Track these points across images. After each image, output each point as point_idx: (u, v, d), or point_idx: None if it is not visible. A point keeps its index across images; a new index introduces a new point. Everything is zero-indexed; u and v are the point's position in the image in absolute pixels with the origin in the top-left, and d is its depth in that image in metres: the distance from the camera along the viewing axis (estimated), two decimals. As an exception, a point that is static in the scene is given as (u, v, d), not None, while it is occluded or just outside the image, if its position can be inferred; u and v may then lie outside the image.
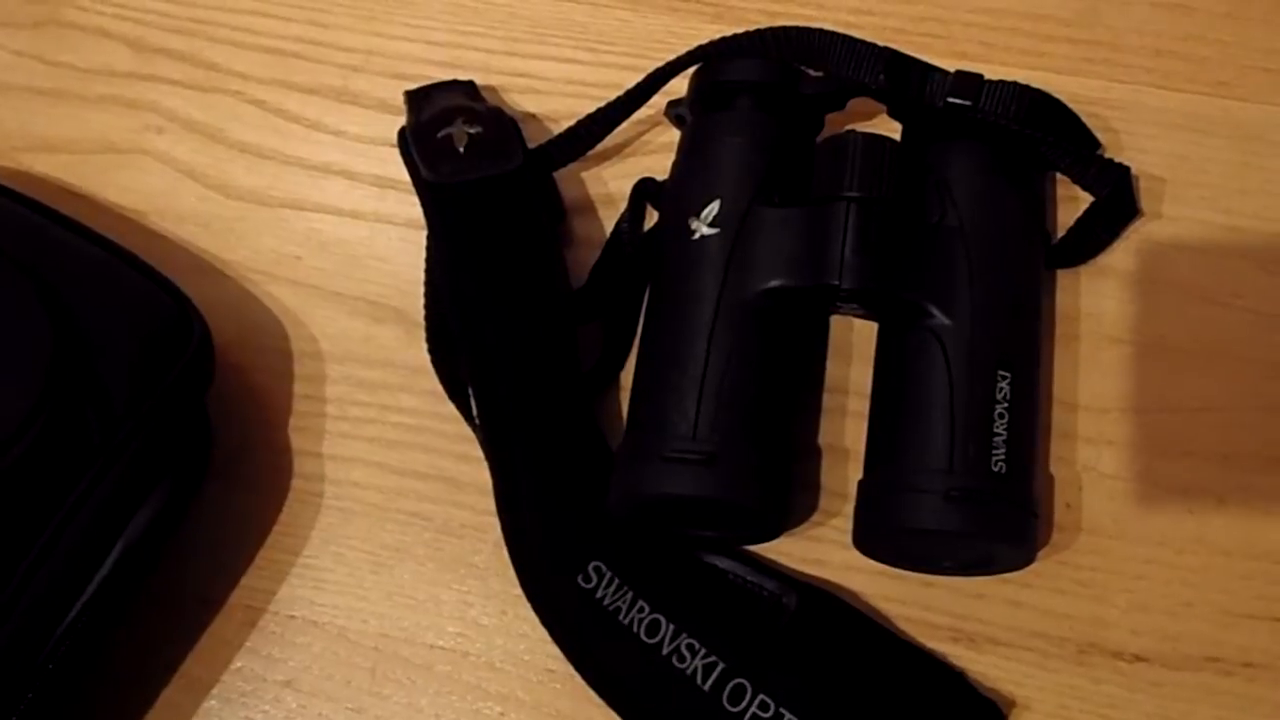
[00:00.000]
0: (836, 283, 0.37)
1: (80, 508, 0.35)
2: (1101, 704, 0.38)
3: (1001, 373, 0.37)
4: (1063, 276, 0.42)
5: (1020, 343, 0.38)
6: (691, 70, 0.42)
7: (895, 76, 0.39)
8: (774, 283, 0.37)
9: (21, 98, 0.48)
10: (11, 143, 0.47)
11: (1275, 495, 0.40)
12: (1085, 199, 0.42)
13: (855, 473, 0.40)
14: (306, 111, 0.47)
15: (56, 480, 0.35)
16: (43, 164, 0.46)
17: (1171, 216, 0.43)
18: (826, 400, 0.42)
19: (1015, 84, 0.39)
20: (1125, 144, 0.44)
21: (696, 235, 0.38)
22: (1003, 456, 0.36)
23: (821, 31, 0.40)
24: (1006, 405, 0.36)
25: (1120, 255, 0.42)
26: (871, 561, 0.39)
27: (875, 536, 0.37)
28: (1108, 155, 0.43)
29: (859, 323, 0.42)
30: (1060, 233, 0.42)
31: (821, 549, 0.40)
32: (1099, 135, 0.43)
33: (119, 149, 0.47)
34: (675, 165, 0.41)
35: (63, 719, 0.39)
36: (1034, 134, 0.39)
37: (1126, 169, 0.41)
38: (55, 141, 0.47)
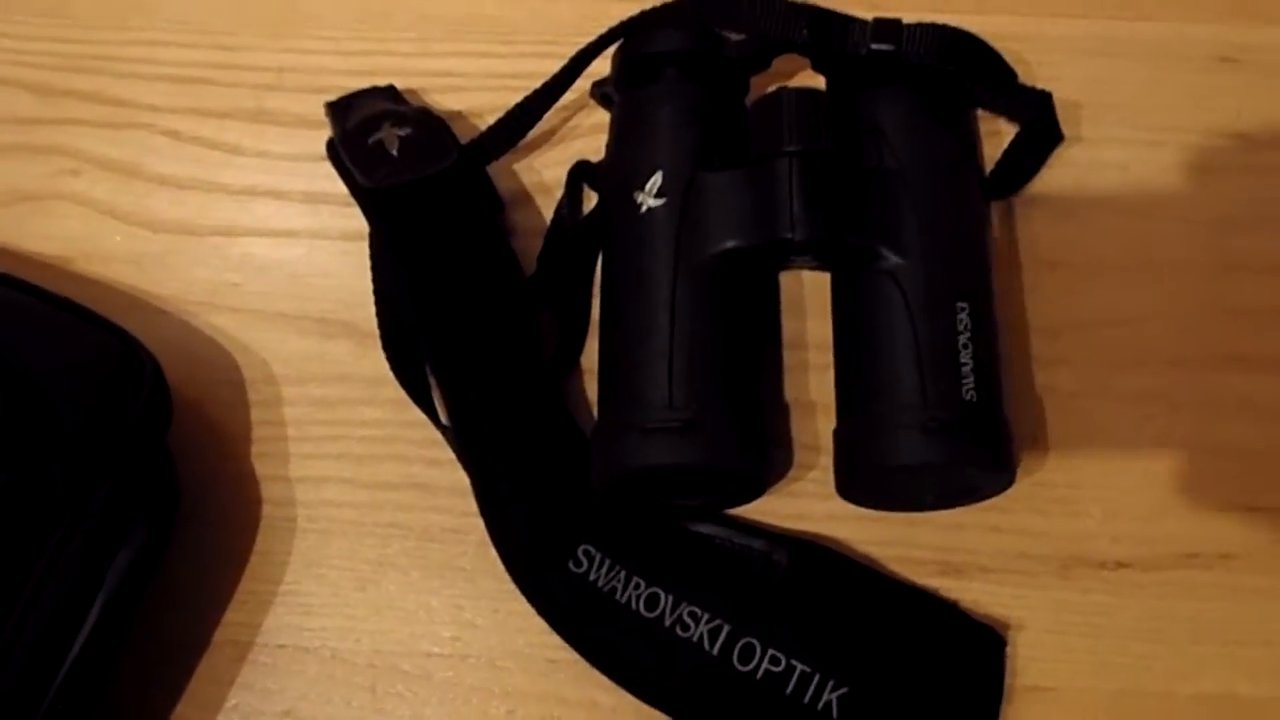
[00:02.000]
0: (789, 236, 0.37)
1: (55, 564, 0.34)
2: (1092, 613, 0.39)
3: (960, 304, 0.37)
4: (997, 208, 0.43)
5: (973, 273, 0.39)
6: (613, 49, 0.42)
7: (817, 30, 0.40)
8: (727, 244, 0.38)
9: (-75, 155, 0.46)
10: (-79, 201, 0.45)
11: (1225, 391, 0.41)
12: (1008, 132, 0.43)
13: (826, 425, 0.40)
14: (224, 136, 0.46)
15: (27, 540, 0.34)
16: (-44, 220, 0.45)
17: (1092, 139, 0.44)
18: (787, 357, 0.42)
19: (934, 25, 0.40)
20: (1038, 74, 0.45)
21: (644, 208, 0.38)
22: (972, 385, 0.37)
23: (739, -6, 0.41)
24: (969, 335, 0.37)
25: (1047, 182, 0.44)
26: (852, 508, 0.39)
27: (858, 480, 0.38)
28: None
29: (809, 276, 0.42)
30: (989, 167, 0.43)
31: (802, 503, 0.40)
32: (1015, 68, 0.44)
33: (34, 196, 0.45)
34: (610, 144, 0.41)
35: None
36: (957, 71, 0.40)
37: (1048, 95, 0.42)
38: (-34, 196, 0.45)
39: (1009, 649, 0.38)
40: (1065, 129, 0.44)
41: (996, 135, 0.44)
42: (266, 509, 0.41)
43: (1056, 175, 0.44)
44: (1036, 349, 0.42)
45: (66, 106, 0.46)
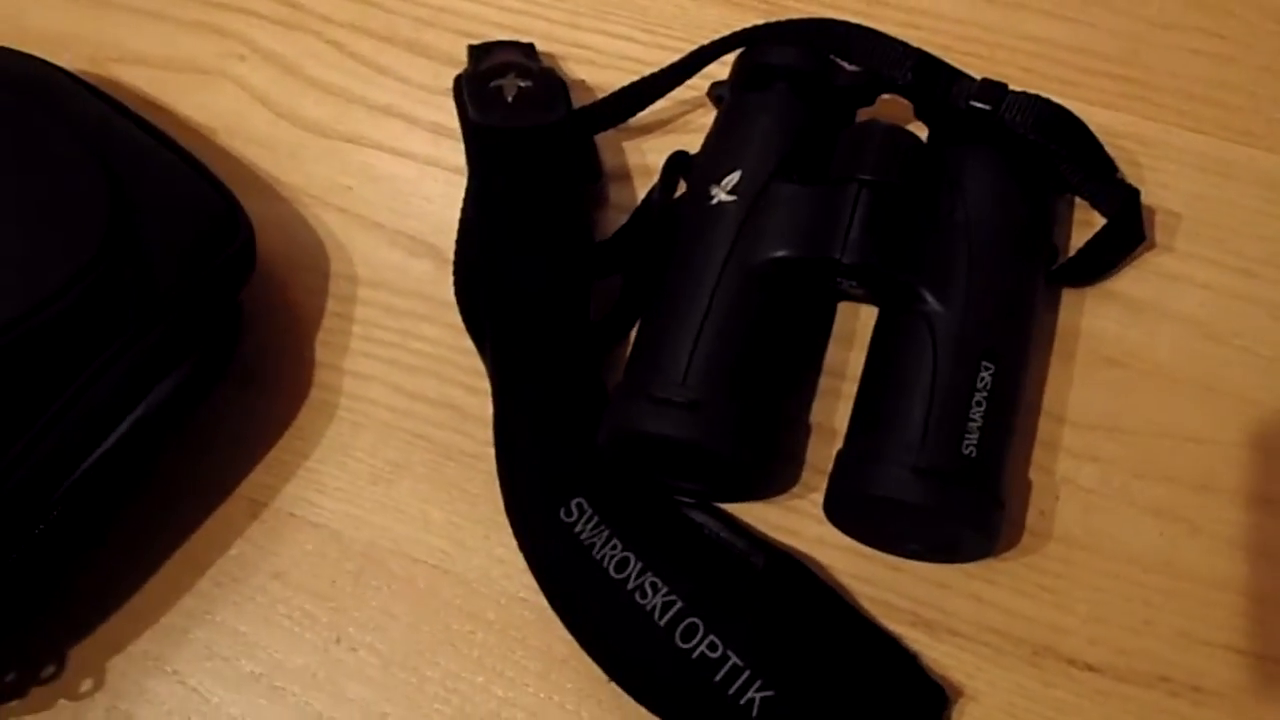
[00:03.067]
0: (838, 256, 0.38)
1: (107, 369, 0.38)
2: (1048, 706, 0.39)
3: (985, 363, 0.38)
4: (1069, 295, 0.43)
5: (1009, 339, 0.39)
6: (735, 53, 0.44)
7: (923, 76, 0.41)
8: (779, 252, 0.39)
9: (121, 14, 0.52)
10: (106, 53, 0.51)
11: (1248, 531, 0.40)
12: (1100, 223, 0.44)
13: (840, 451, 0.41)
14: (378, 57, 0.50)
15: (90, 340, 0.38)
16: (131, 75, 0.50)
17: (1184, 252, 0.44)
18: (823, 382, 0.43)
19: (1038, 96, 0.41)
20: (1148, 178, 0.45)
21: (715, 201, 0.40)
22: (975, 442, 0.37)
23: (859, 26, 0.42)
24: (986, 394, 0.38)
25: (1128, 281, 0.44)
26: (843, 538, 0.40)
27: (842, 502, 0.39)
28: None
29: (864, 310, 0.43)
30: (1072, 254, 0.43)
31: (797, 520, 0.41)
32: (1125, 168, 0.45)
33: (203, 70, 0.50)
34: (707, 138, 0.43)
35: (62, 573, 0.42)
36: (1049, 146, 0.41)
37: (1135, 190, 0.42)
38: (146, 56, 0.51)
39: (952, 717, 0.38)
40: (1159, 238, 0.44)
41: (1088, 225, 0.44)
42: (314, 391, 0.45)
43: (1138, 278, 0.44)
44: (1068, 438, 0.42)
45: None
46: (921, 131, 0.43)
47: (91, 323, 0.38)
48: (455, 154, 0.47)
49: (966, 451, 0.37)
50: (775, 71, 0.42)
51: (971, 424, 0.37)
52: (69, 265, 0.38)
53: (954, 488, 0.37)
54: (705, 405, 0.38)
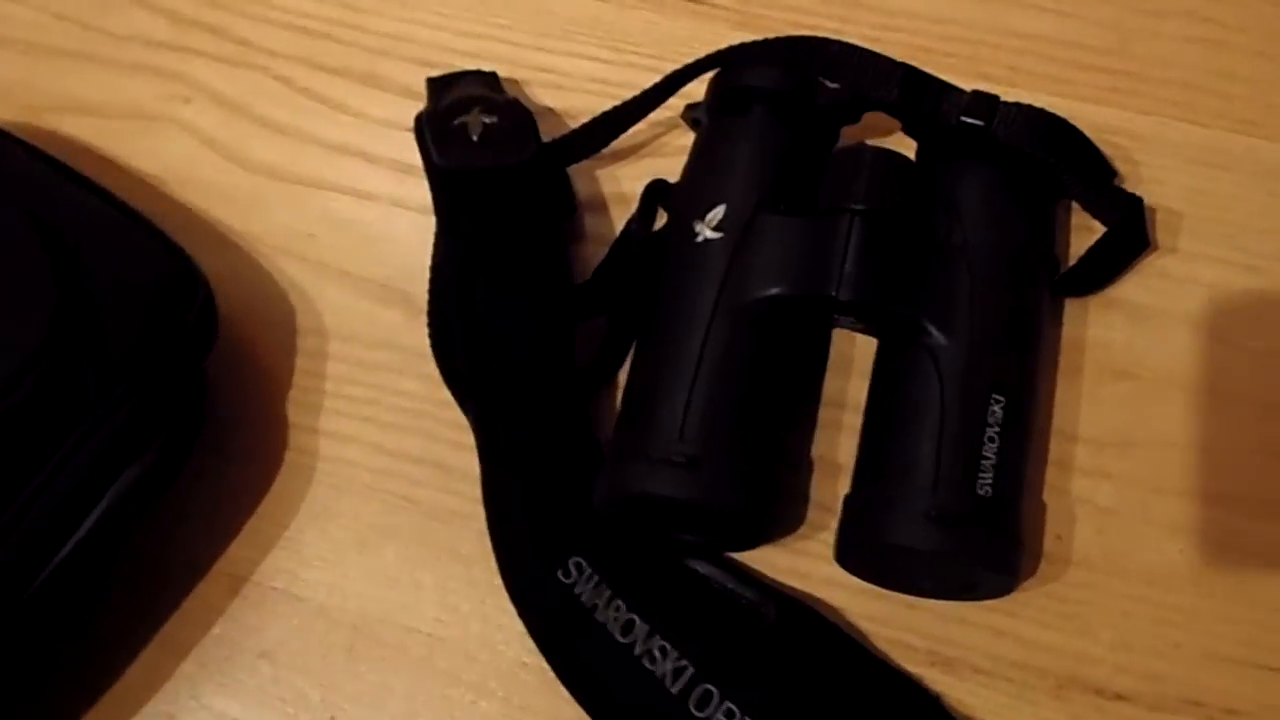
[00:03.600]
0: (834, 294, 0.37)
1: (68, 462, 0.35)
2: (1078, 740, 0.38)
3: (995, 396, 0.36)
4: (1071, 305, 0.42)
5: (1018, 368, 0.37)
6: (710, 74, 0.42)
7: (910, 92, 0.39)
8: (772, 290, 0.37)
9: (57, 59, 0.49)
10: (43, 102, 0.48)
11: (1272, 543, 0.39)
12: (1099, 228, 0.42)
13: (845, 488, 0.39)
14: (331, 92, 0.47)
15: (47, 432, 0.35)
16: (71, 125, 0.47)
17: (1187, 252, 0.42)
18: (823, 413, 0.41)
19: (1031, 107, 0.39)
20: (1145, 176, 0.43)
21: (700, 238, 0.38)
22: (989, 480, 0.35)
23: (839, 43, 0.40)
24: (998, 429, 0.36)
25: (1131, 287, 0.42)
26: (854, 579, 0.38)
27: (855, 551, 0.37)
28: (1126, 185, 0.42)
29: (861, 337, 0.42)
30: (1072, 261, 0.42)
31: (805, 562, 0.40)
32: (1120, 166, 0.43)
33: (146, 115, 0.47)
34: (686, 167, 0.41)
35: (37, 670, 0.39)
36: (1047, 159, 0.39)
37: (1139, 199, 0.41)
38: (86, 104, 0.48)
39: (981, 757, 0.37)
40: (1160, 238, 0.42)
41: (1088, 230, 0.42)
42: (289, 455, 0.42)
43: (1141, 283, 0.42)
44: (1080, 456, 0.40)
45: (193, 37, 0.48)
46: (908, 145, 0.41)
47: (46, 414, 0.35)
48: (420, 191, 0.44)
49: (981, 491, 0.35)
50: (754, 94, 0.40)
51: (985, 461, 0.36)
52: (17, 354, 0.35)
53: (971, 531, 0.35)
54: (706, 461, 0.36)
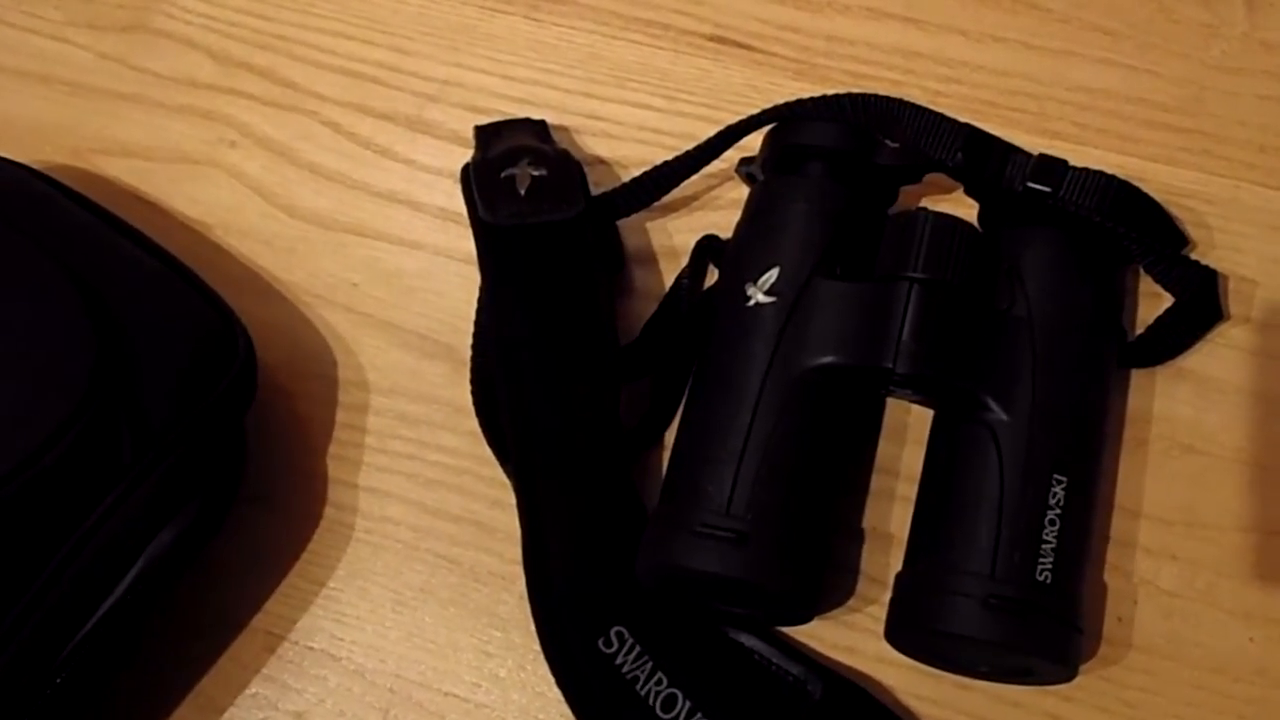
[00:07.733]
0: (890, 366, 0.35)
1: (104, 523, 0.35)
2: (1137, 837, 0.36)
3: (1057, 477, 0.35)
4: (1137, 376, 0.40)
5: (1081, 446, 0.36)
6: (767, 129, 0.41)
7: (974, 155, 0.38)
8: (826, 359, 0.36)
9: (102, 100, 0.48)
10: (88, 144, 0.47)
11: (1346, 633, 0.37)
12: (1169, 295, 0.40)
13: (897, 560, 0.38)
14: (378, 137, 0.47)
15: (83, 493, 0.35)
16: (115, 167, 0.47)
17: (1261, 323, 0.40)
18: (875, 482, 0.40)
19: (1100, 173, 0.37)
20: (1218, 242, 0.41)
21: (752, 302, 0.37)
22: (1049, 566, 0.34)
23: (901, 102, 0.39)
24: (1059, 512, 0.34)
25: (1201, 359, 0.40)
26: (904, 656, 0.37)
27: (908, 633, 0.36)
28: (1198, 252, 0.41)
29: (917, 405, 0.40)
30: (1139, 330, 0.40)
31: (855, 636, 0.38)
32: (1192, 230, 0.41)
33: (192, 159, 0.47)
34: (739, 226, 0.40)
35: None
36: (1116, 228, 0.37)
37: (1213, 273, 0.39)
38: (131, 146, 0.47)
39: None
40: (1233, 307, 0.40)
41: (1156, 296, 0.41)
42: (329, 511, 0.42)
43: (1212, 354, 0.40)
44: (1144, 535, 0.38)
45: (240, 79, 0.48)
46: (969, 205, 0.40)
47: (84, 473, 0.35)
48: (465, 241, 0.44)
49: (1041, 578, 0.34)
50: (810, 151, 0.39)
51: (1045, 546, 0.34)
52: (56, 412, 0.35)
53: (1029, 619, 0.34)
54: (754, 537, 0.35)
